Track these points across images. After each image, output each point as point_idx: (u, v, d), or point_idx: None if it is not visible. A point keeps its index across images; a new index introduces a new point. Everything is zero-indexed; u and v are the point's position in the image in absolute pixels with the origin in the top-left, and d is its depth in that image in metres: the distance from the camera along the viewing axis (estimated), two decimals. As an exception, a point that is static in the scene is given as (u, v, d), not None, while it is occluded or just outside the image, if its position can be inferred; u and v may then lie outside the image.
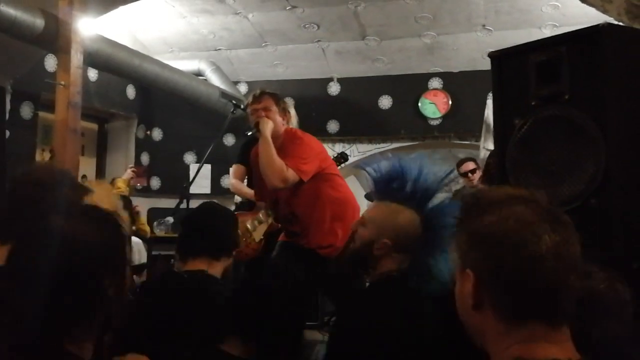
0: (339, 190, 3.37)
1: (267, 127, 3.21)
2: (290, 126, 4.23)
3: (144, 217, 5.49)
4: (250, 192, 4.19)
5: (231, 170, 4.51)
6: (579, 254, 1.00)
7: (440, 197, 2.05)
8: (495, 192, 1.08)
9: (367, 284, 2.05)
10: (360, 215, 2.18)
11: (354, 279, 2.36)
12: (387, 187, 2.07)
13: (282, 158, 3.21)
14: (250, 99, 3.40)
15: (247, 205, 4.25)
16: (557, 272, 0.97)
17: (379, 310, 1.80)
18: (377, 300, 1.88)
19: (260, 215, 4.07)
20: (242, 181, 4.38)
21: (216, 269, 2.26)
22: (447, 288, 1.29)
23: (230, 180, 4.54)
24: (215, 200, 3.91)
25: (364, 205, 3.96)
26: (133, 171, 5.34)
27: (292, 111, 3.52)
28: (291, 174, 3.16)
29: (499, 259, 0.99)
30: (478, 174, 4.94)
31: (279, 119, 3.32)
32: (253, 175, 3.64)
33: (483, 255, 1.01)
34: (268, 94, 3.37)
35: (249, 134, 3.84)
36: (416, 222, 1.95)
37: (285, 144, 3.34)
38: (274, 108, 3.31)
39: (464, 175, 5.21)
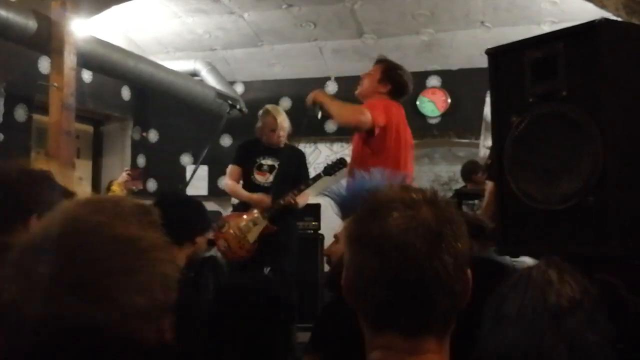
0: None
1: (320, 95, 3.47)
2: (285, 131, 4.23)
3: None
4: (245, 194, 4.16)
5: (228, 170, 4.47)
6: (450, 268, 0.94)
7: None
8: (384, 194, 1.03)
9: None
10: None
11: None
12: (351, 206, 2.15)
13: None
14: None
15: (245, 205, 4.22)
16: (418, 282, 0.93)
17: None
18: None
19: (256, 217, 4.04)
20: (238, 182, 4.35)
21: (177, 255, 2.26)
22: None
23: (226, 180, 4.50)
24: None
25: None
26: (128, 174, 5.30)
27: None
28: (364, 109, 3.22)
29: (361, 258, 0.97)
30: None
31: (374, 84, 3.42)
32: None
33: (350, 253, 1.00)
34: (382, 61, 3.52)
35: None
36: None
37: None
38: (377, 74, 3.44)
39: (470, 180, 5.16)
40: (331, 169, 4.16)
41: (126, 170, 5.42)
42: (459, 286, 0.96)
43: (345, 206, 2.22)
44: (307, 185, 4.09)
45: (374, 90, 3.41)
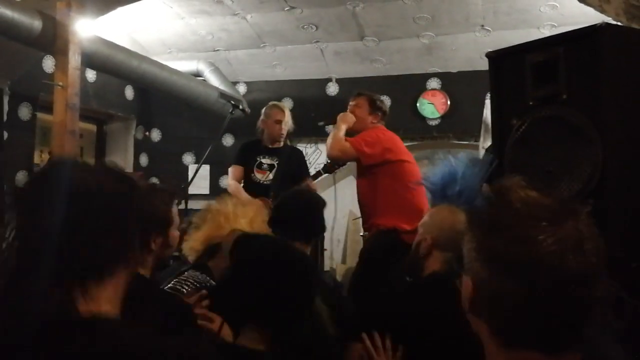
0: (399, 179, 3.66)
1: (341, 118, 3.87)
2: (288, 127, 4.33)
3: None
4: (247, 198, 4.18)
5: (229, 170, 4.51)
6: (600, 283, 0.89)
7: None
8: (520, 201, 0.93)
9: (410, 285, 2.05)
10: None
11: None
12: (442, 195, 2.05)
13: None
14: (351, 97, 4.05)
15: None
16: (571, 304, 0.88)
17: (413, 312, 1.79)
18: (413, 302, 1.87)
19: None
20: (240, 182, 4.39)
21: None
22: None
23: (229, 181, 4.54)
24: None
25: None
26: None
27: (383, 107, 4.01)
28: (348, 147, 3.71)
29: (503, 281, 0.89)
30: None
31: (366, 117, 3.87)
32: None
33: (487, 272, 0.92)
34: (364, 95, 3.98)
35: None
36: (460, 221, 1.85)
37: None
38: (365, 106, 3.89)
39: None
40: (331, 167, 4.22)
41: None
42: (604, 302, 0.90)
43: (437, 194, 2.11)
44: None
45: (368, 122, 3.87)
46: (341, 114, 3.91)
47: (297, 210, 2.58)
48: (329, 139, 3.84)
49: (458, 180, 2.03)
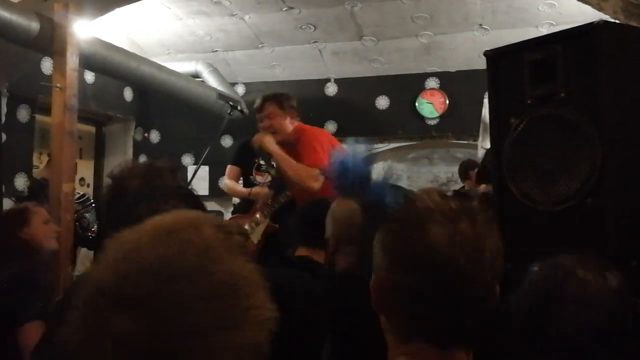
0: None
1: (269, 143, 3.41)
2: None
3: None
4: (244, 190, 4.18)
5: (226, 170, 4.49)
6: (489, 285, 0.95)
7: (378, 183, 1.99)
8: (421, 201, 0.99)
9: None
10: None
11: None
12: (337, 184, 2.07)
13: (295, 157, 3.36)
14: (255, 108, 3.60)
15: (245, 205, 4.25)
16: (460, 300, 0.92)
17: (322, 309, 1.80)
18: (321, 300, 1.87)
19: (257, 217, 4.07)
20: (237, 182, 4.36)
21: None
22: None
23: (224, 180, 4.52)
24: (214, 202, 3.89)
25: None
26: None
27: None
28: (313, 171, 3.30)
29: (398, 274, 0.95)
30: None
31: (285, 122, 3.52)
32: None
33: (385, 266, 0.98)
34: (269, 99, 3.56)
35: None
36: (355, 213, 1.92)
37: (295, 142, 3.49)
38: (278, 112, 3.51)
39: (467, 177, 5.17)
40: None
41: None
42: (493, 302, 0.96)
43: (333, 182, 2.12)
44: None
45: (287, 126, 3.54)
46: (263, 140, 3.46)
47: (306, 220, 2.50)
48: (292, 175, 3.40)
49: (349, 171, 2.03)
